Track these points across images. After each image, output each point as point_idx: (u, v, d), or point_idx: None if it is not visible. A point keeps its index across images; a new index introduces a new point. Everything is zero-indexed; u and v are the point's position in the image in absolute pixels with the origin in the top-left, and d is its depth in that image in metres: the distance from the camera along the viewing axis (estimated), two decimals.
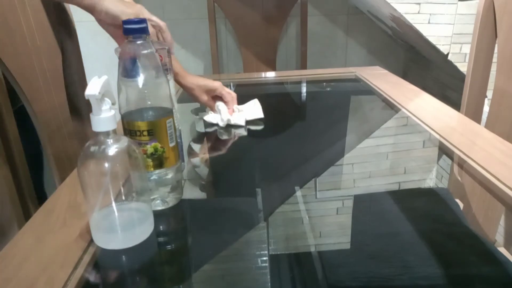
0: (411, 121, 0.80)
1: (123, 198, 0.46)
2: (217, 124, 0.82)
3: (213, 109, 0.84)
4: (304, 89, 1.16)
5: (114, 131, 0.43)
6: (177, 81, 0.81)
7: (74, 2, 0.63)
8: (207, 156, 0.73)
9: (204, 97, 0.83)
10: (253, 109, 0.85)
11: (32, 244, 0.46)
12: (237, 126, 0.81)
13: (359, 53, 1.93)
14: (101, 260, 0.44)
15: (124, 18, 0.62)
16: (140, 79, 0.47)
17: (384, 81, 1.07)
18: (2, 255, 0.44)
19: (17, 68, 0.71)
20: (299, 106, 1.03)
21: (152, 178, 0.51)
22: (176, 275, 0.44)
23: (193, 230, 0.51)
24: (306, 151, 0.73)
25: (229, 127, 0.81)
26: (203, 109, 0.89)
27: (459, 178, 0.67)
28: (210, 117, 0.84)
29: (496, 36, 0.88)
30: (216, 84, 0.82)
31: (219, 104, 0.83)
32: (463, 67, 1.38)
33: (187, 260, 0.46)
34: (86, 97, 0.41)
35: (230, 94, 0.83)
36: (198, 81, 0.82)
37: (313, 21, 1.81)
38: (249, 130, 0.80)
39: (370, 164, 0.69)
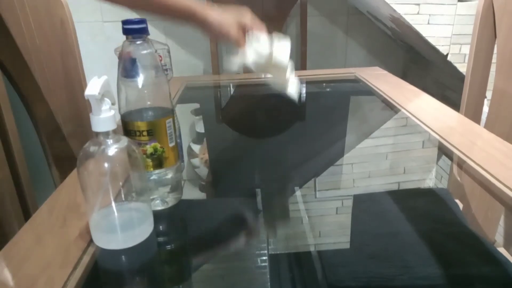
0: (411, 121, 0.80)
1: (123, 198, 0.46)
2: (244, 67, 0.65)
3: (242, 47, 0.65)
4: (304, 90, 1.16)
5: (114, 131, 0.43)
6: (196, 20, 0.62)
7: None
8: (206, 156, 0.73)
9: (235, 32, 0.64)
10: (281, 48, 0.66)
11: (31, 244, 0.46)
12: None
13: (359, 54, 1.93)
14: (101, 260, 0.44)
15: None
16: (140, 79, 0.47)
17: (384, 81, 1.07)
18: (2, 255, 0.44)
19: (17, 68, 0.71)
20: (299, 107, 1.03)
21: (151, 178, 0.51)
22: (176, 275, 0.44)
23: (193, 230, 0.51)
24: (305, 151, 0.73)
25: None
26: (202, 110, 0.89)
27: (459, 179, 0.67)
28: (246, 55, 0.64)
29: (495, 37, 0.88)
30: (247, 18, 0.65)
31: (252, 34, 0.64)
32: (462, 68, 1.38)
33: (187, 260, 0.46)
34: (86, 97, 0.41)
35: (261, 26, 0.65)
36: (224, 15, 0.64)
37: (312, 21, 1.81)
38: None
39: (369, 164, 0.69)
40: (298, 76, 1.28)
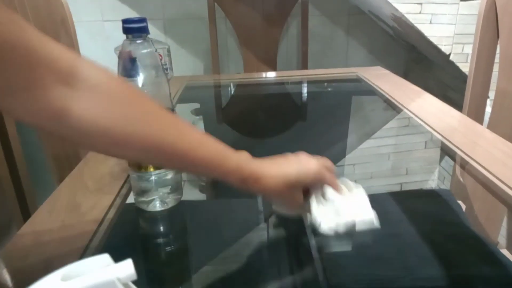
0: (413, 121, 0.80)
1: None
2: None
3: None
4: (305, 89, 1.15)
5: None
6: (252, 189, 0.43)
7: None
8: None
9: (301, 197, 0.46)
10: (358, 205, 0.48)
11: (31, 244, 0.45)
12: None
13: (360, 53, 1.93)
14: None
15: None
16: (140, 79, 0.46)
17: (386, 81, 1.07)
18: (1, 255, 0.44)
19: None
20: (300, 107, 1.03)
21: (151, 178, 0.50)
22: (175, 276, 0.43)
23: (193, 231, 0.51)
24: (307, 151, 0.73)
25: None
26: (203, 110, 0.88)
27: (461, 179, 0.66)
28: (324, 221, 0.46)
29: (498, 36, 0.87)
30: (314, 169, 0.46)
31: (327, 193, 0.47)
32: (465, 68, 1.37)
33: (187, 261, 0.46)
34: None
35: (333, 178, 0.48)
36: (286, 173, 0.44)
37: (314, 21, 1.81)
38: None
39: (371, 165, 0.68)
40: (300, 76, 1.28)
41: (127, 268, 0.29)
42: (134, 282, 0.30)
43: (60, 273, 0.28)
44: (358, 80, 1.13)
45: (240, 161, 0.42)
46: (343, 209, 0.46)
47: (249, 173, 0.42)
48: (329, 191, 0.47)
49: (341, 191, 0.48)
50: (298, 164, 0.45)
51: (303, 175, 0.44)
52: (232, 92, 1.15)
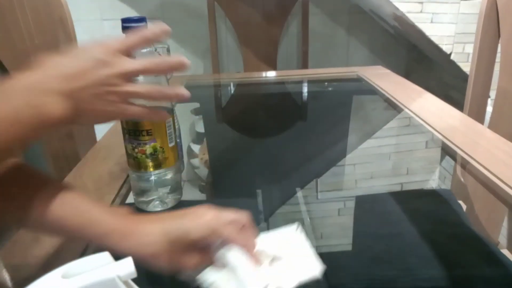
0: (414, 121, 0.80)
1: None
2: None
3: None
4: (305, 89, 1.15)
5: None
6: (120, 248, 0.35)
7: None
8: (206, 156, 0.73)
9: (190, 261, 0.37)
10: (301, 257, 0.40)
11: (31, 244, 0.45)
12: None
13: (361, 53, 1.92)
14: None
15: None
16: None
17: (387, 81, 1.06)
18: (1, 255, 0.44)
19: (15, 67, 0.70)
20: (301, 106, 1.02)
21: (151, 178, 0.50)
22: (175, 275, 0.43)
23: None
24: (307, 151, 0.73)
25: None
26: (202, 109, 0.87)
27: (462, 179, 0.66)
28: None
29: (499, 36, 0.87)
30: (206, 223, 0.36)
31: (228, 257, 0.36)
32: (466, 67, 1.37)
33: None
34: None
35: (247, 238, 0.38)
36: (166, 229, 0.36)
37: (314, 20, 1.80)
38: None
39: (372, 164, 0.68)
40: (300, 75, 1.27)
41: (127, 266, 0.29)
42: (134, 280, 0.30)
43: (61, 270, 0.28)
44: (358, 79, 1.13)
45: (95, 216, 0.36)
46: (247, 280, 0.35)
47: (111, 228, 0.35)
48: (231, 255, 0.35)
49: (251, 253, 0.36)
50: (186, 218, 0.36)
51: (187, 230, 0.35)
52: (232, 91, 1.15)
